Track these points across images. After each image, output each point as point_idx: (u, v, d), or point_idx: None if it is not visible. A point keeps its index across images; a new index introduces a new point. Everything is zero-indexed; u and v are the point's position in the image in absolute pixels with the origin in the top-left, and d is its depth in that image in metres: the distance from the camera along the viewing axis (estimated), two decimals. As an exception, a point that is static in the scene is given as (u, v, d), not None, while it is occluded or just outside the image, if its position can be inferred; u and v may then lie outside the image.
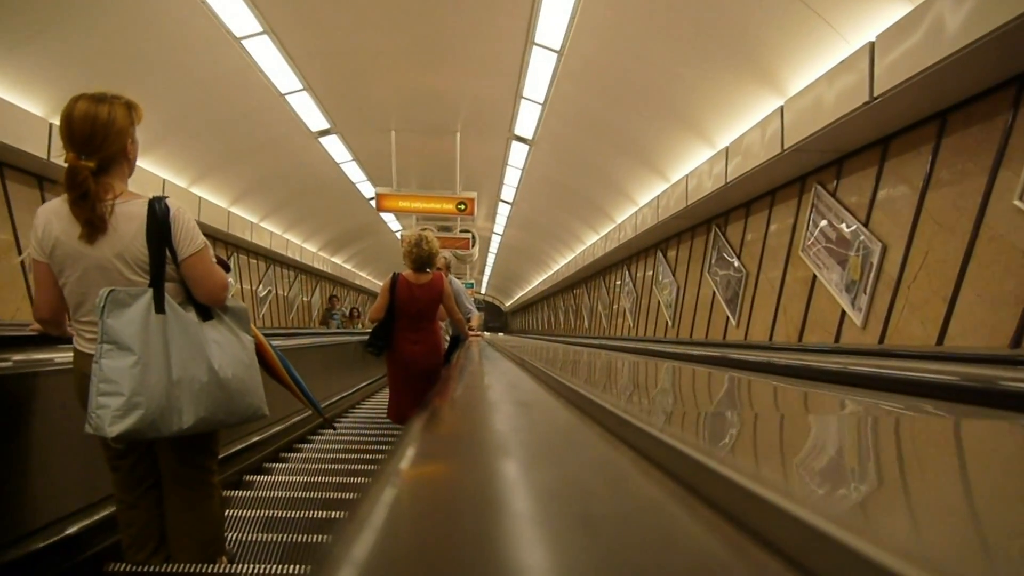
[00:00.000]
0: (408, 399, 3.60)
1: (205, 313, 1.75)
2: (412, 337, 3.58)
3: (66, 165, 1.61)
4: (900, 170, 4.32)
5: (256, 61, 6.16)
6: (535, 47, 5.99)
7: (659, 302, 9.35)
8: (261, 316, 11.58)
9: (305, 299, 14.82)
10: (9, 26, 4.72)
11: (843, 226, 4.87)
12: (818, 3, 4.18)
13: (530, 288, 22.08)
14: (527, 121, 7.96)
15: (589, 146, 8.50)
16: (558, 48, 5.91)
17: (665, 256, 9.16)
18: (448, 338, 4.92)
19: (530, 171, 9.93)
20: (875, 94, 3.72)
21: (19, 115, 5.12)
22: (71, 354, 1.74)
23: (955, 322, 3.69)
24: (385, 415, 4.29)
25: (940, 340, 3.77)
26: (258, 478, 3.27)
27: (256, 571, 1.97)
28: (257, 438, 3.51)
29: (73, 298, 1.68)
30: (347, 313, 14.23)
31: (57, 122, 5.14)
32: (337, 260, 16.42)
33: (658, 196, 7.91)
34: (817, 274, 5.17)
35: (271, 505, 2.79)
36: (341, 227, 14.29)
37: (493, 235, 16.33)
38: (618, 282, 11.95)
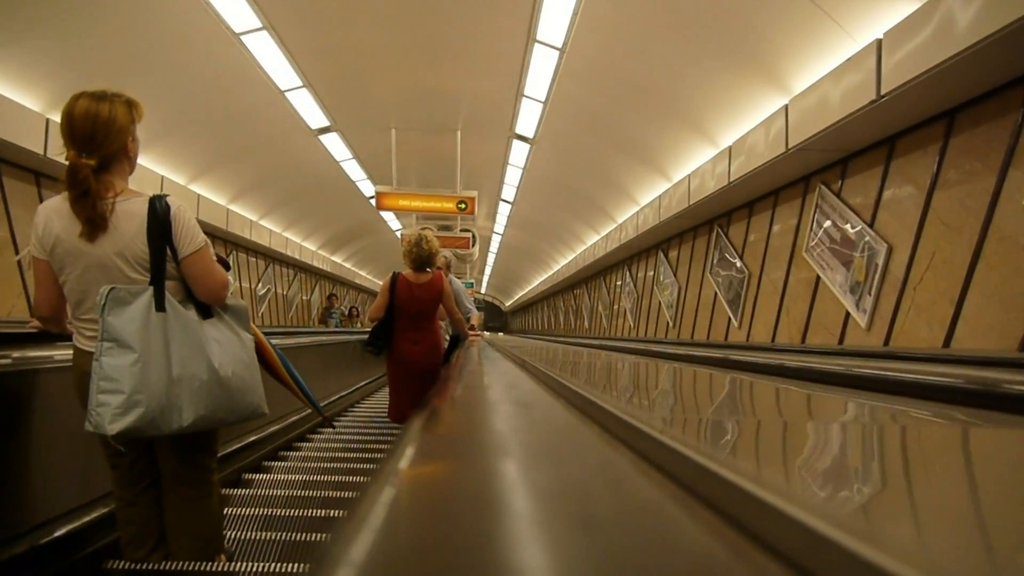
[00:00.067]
0: (408, 398, 3.60)
1: (205, 311, 1.75)
2: (412, 336, 3.58)
3: (67, 163, 1.61)
4: (906, 170, 4.30)
5: (255, 57, 6.15)
6: (537, 44, 5.99)
7: (660, 303, 9.34)
8: (260, 315, 11.59)
9: (304, 298, 14.83)
10: (4, 20, 4.69)
11: (848, 227, 4.85)
12: (824, 0, 4.16)
13: (530, 288, 22.08)
14: (528, 120, 7.95)
15: (590, 145, 8.49)
16: (560, 46, 5.91)
17: (666, 256, 9.15)
18: (448, 338, 4.92)
19: (531, 170, 9.93)
20: (882, 92, 3.69)
21: (15, 110, 5.08)
22: (71, 352, 1.74)
23: (963, 324, 3.67)
24: (384, 414, 4.29)
25: (947, 343, 3.74)
26: (257, 476, 3.28)
27: (255, 569, 1.97)
28: (255, 437, 3.51)
29: (73, 296, 1.68)
30: (345, 312, 14.22)
31: (54, 118, 5.18)
32: (337, 259, 16.42)
33: (660, 196, 7.91)
34: (821, 275, 5.16)
35: (270, 503, 2.79)
36: (341, 225, 14.29)
37: (493, 234, 16.34)
38: (619, 282, 11.95)
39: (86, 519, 2.01)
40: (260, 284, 11.80)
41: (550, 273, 17.40)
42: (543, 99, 7.18)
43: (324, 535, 2.42)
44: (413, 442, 0.77)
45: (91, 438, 1.66)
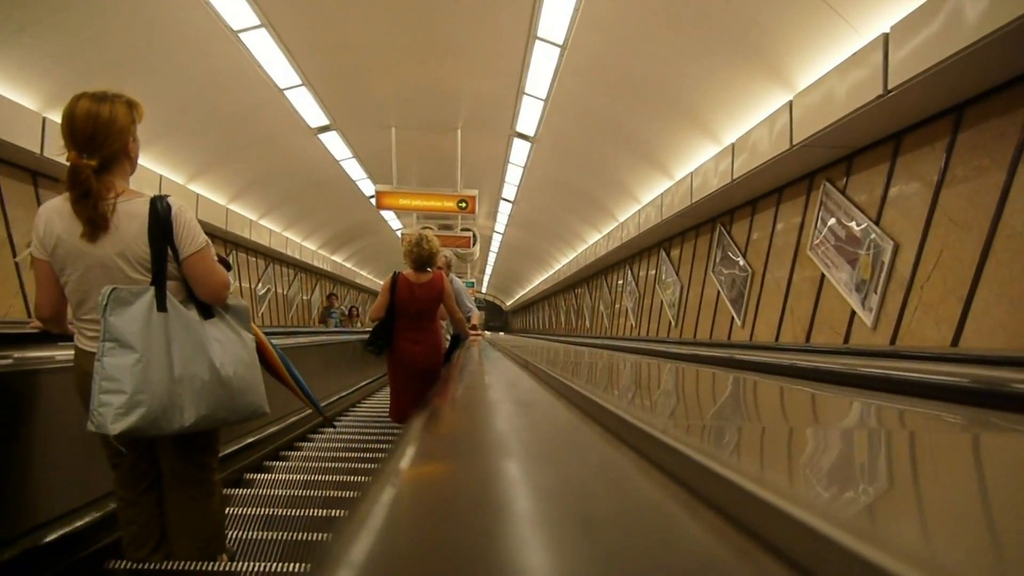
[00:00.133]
0: (408, 398, 3.60)
1: (206, 311, 1.76)
2: (412, 336, 3.58)
3: (68, 164, 1.62)
4: (913, 166, 4.26)
5: (254, 55, 6.13)
6: (537, 42, 5.97)
7: (662, 301, 9.34)
8: (260, 314, 11.59)
9: (305, 297, 14.84)
10: (1, 19, 4.67)
11: (853, 224, 4.82)
12: (829, -4, 4.13)
13: (531, 287, 22.08)
14: (529, 118, 7.93)
15: (592, 143, 8.48)
16: (561, 43, 5.89)
17: (669, 255, 9.14)
18: (448, 337, 4.92)
19: (532, 169, 9.91)
20: (889, 87, 3.65)
21: (12, 109, 5.06)
22: (71, 352, 1.74)
23: (971, 323, 3.63)
24: (384, 414, 4.29)
25: (955, 341, 3.71)
26: (258, 476, 3.28)
27: (256, 569, 1.97)
28: (254, 437, 3.51)
29: (75, 296, 1.68)
30: (345, 312, 14.23)
31: (51, 116, 5.17)
32: (337, 258, 16.42)
33: (662, 194, 7.89)
34: (826, 273, 5.13)
35: (271, 503, 2.79)
36: (341, 225, 14.28)
37: (494, 234, 16.33)
38: (620, 281, 11.94)
39: (87, 519, 2.01)
40: (260, 284, 11.81)
41: (551, 272, 17.39)
42: (544, 97, 7.17)
43: (325, 535, 2.42)
44: (414, 442, 0.77)
45: (92, 438, 1.66)
